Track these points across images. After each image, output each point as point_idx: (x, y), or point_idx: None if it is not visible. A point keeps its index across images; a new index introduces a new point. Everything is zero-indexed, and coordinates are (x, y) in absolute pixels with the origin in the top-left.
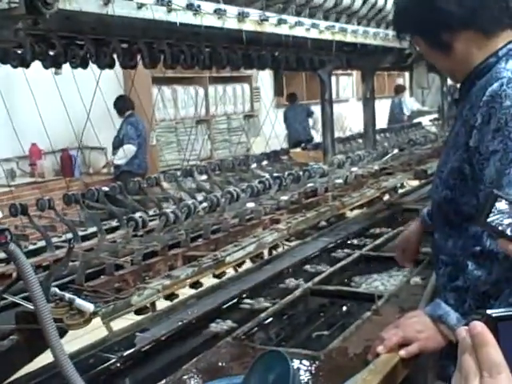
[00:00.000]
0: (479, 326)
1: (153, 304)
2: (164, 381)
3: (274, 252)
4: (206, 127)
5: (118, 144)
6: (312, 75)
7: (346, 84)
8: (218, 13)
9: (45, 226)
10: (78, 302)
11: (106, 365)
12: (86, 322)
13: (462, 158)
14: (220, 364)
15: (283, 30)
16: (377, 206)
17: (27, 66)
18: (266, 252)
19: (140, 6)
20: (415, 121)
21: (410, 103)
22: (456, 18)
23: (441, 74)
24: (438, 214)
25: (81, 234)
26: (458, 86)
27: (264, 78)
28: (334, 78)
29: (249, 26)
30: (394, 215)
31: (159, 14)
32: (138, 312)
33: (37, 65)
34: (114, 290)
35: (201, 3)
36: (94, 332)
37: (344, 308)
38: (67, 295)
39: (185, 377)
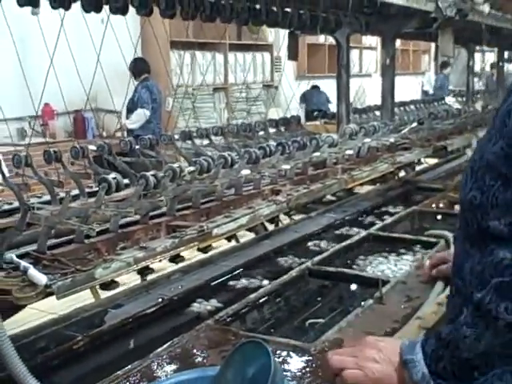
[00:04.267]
0: None
1: (141, 273)
2: (129, 367)
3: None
4: (224, 95)
5: (131, 108)
6: (334, 48)
7: (369, 58)
8: None
9: (18, 184)
10: (31, 272)
11: (67, 344)
12: (39, 296)
13: (501, 152)
14: (196, 351)
15: None
16: (390, 183)
17: (35, 4)
18: (269, 225)
19: None
20: None
21: (434, 80)
22: None
23: (468, 48)
24: (461, 220)
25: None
26: None
27: (285, 49)
28: (356, 52)
29: None
30: (408, 193)
31: None
32: (103, 287)
33: (53, 23)
34: (81, 261)
35: None
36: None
37: (345, 293)
38: (22, 263)
39: (153, 364)
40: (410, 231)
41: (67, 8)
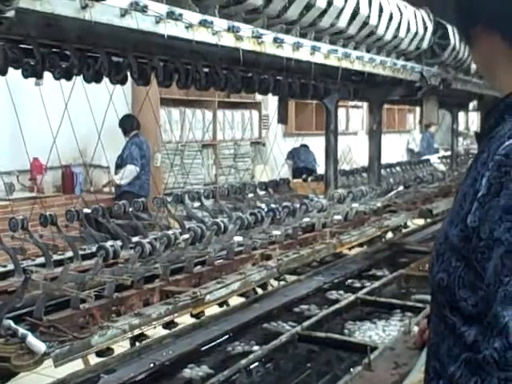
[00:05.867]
0: None
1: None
2: None
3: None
4: (212, 152)
5: (120, 163)
6: (321, 106)
7: (355, 117)
8: (204, 24)
9: (14, 247)
10: (30, 339)
11: None
12: (37, 364)
13: (461, 235)
14: None
15: (285, 51)
16: (377, 245)
17: (39, 76)
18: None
19: (123, 14)
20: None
21: (420, 140)
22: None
23: (451, 111)
24: (432, 302)
25: (58, 257)
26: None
27: (273, 106)
28: (343, 110)
29: (247, 44)
30: (395, 256)
31: (146, 24)
32: (99, 354)
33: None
34: (77, 327)
35: (184, 12)
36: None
37: (334, 359)
38: (20, 330)
39: None
40: (398, 295)
41: (69, 79)
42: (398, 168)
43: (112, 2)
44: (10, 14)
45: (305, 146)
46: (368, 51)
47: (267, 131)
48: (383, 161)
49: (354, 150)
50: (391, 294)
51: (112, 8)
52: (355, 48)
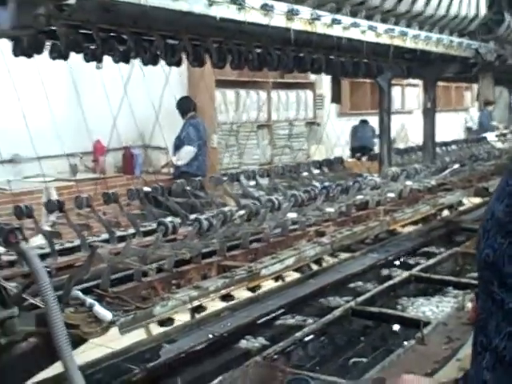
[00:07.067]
0: None
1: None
2: None
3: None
4: (267, 132)
5: (178, 145)
6: (376, 85)
7: (411, 95)
8: (265, 8)
9: (80, 224)
10: (96, 309)
11: (126, 376)
12: (104, 331)
13: (507, 210)
14: None
15: (336, 31)
16: (432, 223)
17: (99, 60)
18: (313, 264)
19: None
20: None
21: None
22: None
23: (509, 88)
24: (480, 278)
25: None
26: None
27: (328, 86)
28: (399, 89)
29: (298, 25)
30: (451, 234)
31: (199, 6)
32: (160, 323)
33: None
34: (140, 298)
35: None
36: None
37: (387, 333)
38: (88, 300)
39: None
40: (453, 273)
41: (127, 62)
42: (453, 146)
43: None
44: (72, 1)
45: (364, 122)
46: (421, 28)
47: (322, 111)
48: (440, 139)
49: (410, 129)
50: (446, 271)
51: None
52: (407, 26)
